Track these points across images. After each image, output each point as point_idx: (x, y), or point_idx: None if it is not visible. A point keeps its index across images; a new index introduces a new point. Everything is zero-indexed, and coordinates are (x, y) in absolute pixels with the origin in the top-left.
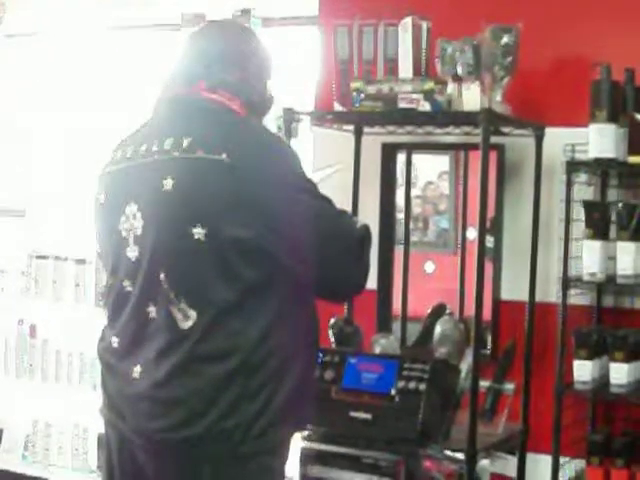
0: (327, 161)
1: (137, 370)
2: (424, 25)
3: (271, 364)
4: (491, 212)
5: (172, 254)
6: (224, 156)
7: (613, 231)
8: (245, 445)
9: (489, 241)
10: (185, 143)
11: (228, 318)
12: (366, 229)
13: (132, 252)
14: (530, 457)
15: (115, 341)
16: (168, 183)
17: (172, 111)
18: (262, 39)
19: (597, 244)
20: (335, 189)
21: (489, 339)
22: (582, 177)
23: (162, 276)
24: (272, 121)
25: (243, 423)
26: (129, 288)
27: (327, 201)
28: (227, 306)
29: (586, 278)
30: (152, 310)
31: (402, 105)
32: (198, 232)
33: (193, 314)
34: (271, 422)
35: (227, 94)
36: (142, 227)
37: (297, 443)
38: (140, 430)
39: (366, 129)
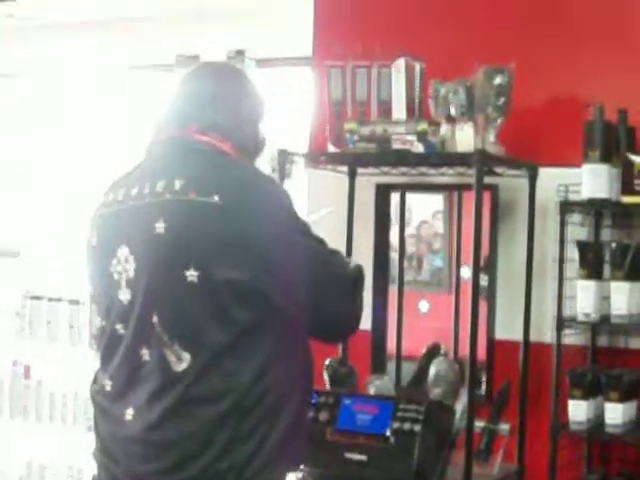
0: (322, 202)
1: (130, 412)
2: (417, 66)
3: (264, 405)
4: (485, 251)
5: (165, 297)
6: (216, 198)
7: (607, 271)
8: None
9: (483, 280)
10: (177, 185)
11: (222, 360)
12: (359, 270)
13: (124, 295)
14: None
15: (108, 384)
16: (160, 226)
17: (164, 153)
18: (255, 81)
19: (591, 284)
20: (329, 229)
21: (484, 379)
22: (575, 217)
23: (155, 319)
24: (266, 162)
25: (236, 465)
26: (122, 331)
27: (320, 242)
28: (221, 348)
29: (580, 318)
30: (145, 353)
31: (396, 146)
32: (191, 274)
33: (187, 357)
34: (264, 464)
35: (219, 136)
36: (134, 270)
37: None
38: (133, 473)
39: (360, 170)
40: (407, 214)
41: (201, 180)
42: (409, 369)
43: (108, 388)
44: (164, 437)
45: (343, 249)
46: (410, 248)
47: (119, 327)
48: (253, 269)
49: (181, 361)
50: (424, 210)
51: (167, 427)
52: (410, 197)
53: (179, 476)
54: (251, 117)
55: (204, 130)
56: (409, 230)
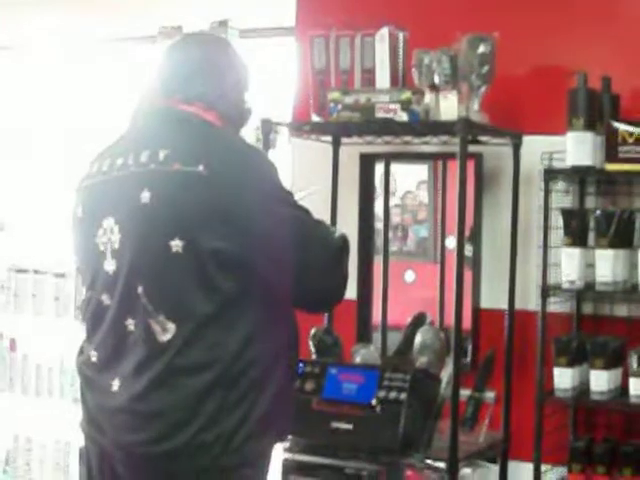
0: (306, 171)
1: (116, 383)
2: (400, 35)
3: (250, 375)
4: (470, 221)
5: (150, 267)
6: (201, 168)
7: (591, 238)
8: (225, 458)
9: (468, 250)
10: (161, 155)
11: (207, 330)
12: (344, 239)
13: (110, 266)
14: (512, 465)
15: (94, 355)
16: (145, 196)
17: (148, 123)
18: (239, 51)
19: (576, 252)
20: (314, 199)
21: (469, 348)
22: (560, 185)
23: (140, 289)
24: (250, 132)
25: (223, 435)
26: (107, 302)
27: (304, 211)
28: (206, 318)
29: (565, 286)
30: (130, 323)
31: (379, 115)
32: (176, 244)
33: (172, 327)
34: (251, 434)
35: (203, 106)
36: (119, 240)
37: (278, 454)
38: (120, 444)
39: (344, 139)
40: (392, 184)
41: (186, 150)
42: (395, 339)
43: (94, 359)
44: (150, 407)
45: (328, 219)
46: (395, 218)
47: (105, 298)
48: (237, 238)
49: (166, 331)
50: (409, 180)
51: (153, 397)
52: (395, 167)
53: (165, 446)
54: (236, 87)
55: (189, 100)
56: (394, 200)
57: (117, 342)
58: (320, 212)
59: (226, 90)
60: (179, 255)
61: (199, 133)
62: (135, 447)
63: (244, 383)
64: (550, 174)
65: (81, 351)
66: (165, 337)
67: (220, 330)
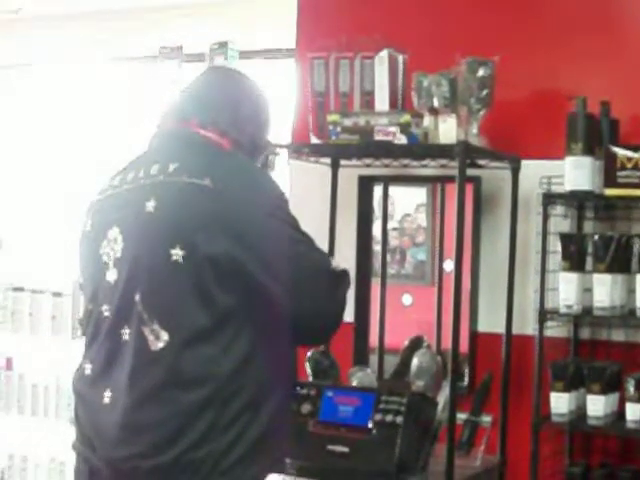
0: (304, 193)
1: (107, 395)
2: (400, 58)
3: (245, 396)
4: (468, 244)
5: (148, 274)
6: (207, 181)
7: (589, 263)
8: (213, 479)
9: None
10: (171, 168)
11: (201, 343)
12: (344, 271)
13: (112, 275)
14: None
15: (88, 367)
16: (150, 205)
17: (163, 142)
18: (263, 91)
19: (573, 276)
20: (313, 221)
21: (466, 372)
22: (558, 209)
23: (137, 297)
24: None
25: (213, 455)
26: (107, 313)
27: (308, 237)
28: (200, 330)
29: (563, 310)
30: (125, 332)
31: (378, 138)
32: (176, 253)
33: (165, 336)
34: (242, 457)
35: (217, 131)
36: (122, 249)
37: (273, 477)
38: (109, 458)
39: (343, 162)
40: (390, 207)
41: (195, 165)
42: (392, 362)
43: (88, 372)
44: (140, 421)
45: (326, 241)
46: (393, 241)
47: (105, 309)
48: (237, 248)
49: (159, 340)
50: (407, 203)
51: (144, 410)
52: (393, 190)
53: (153, 461)
54: (252, 119)
55: (204, 125)
56: (392, 223)
57: (111, 352)
58: (318, 234)
59: (240, 121)
60: (178, 264)
61: (209, 152)
62: (124, 462)
63: (238, 403)
64: (548, 198)
65: (78, 367)
66: (157, 345)
67: (216, 346)
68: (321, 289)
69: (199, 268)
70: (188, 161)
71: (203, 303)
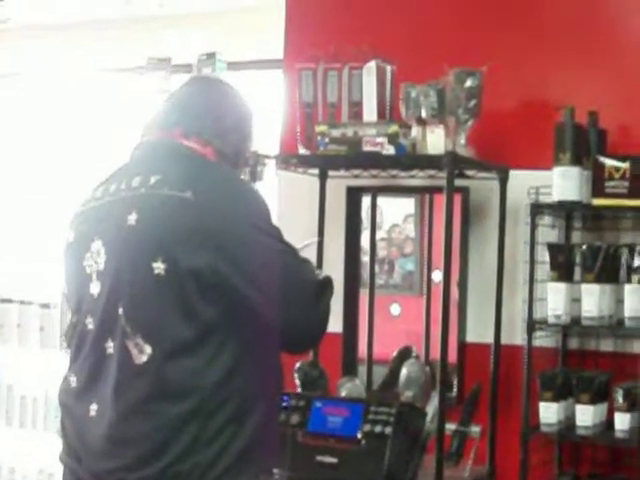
0: (292, 204)
1: (94, 408)
2: (388, 69)
3: (229, 408)
4: (456, 255)
5: (131, 288)
6: (189, 194)
7: (578, 273)
8: None
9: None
10: (152, 180)
11: (184, 356)
12: (328, 279)
13: (95, 288)
14: None
15: (73, 380)
16: (132, 218)
17: (144, 154)
18: (248, 101)
19: (562, 286)
20: (301, 232)
21: (455, 382)
22: (546, 219)
23: (120, 310)
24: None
25: (199, 467)
26: (90, 326)
27: (290, 248)
28: (184, 343)
29: (551, 320)
30: (110, 346)
31: (366, 149)
32: (158, 267)
33: (148, 349)
34: (228, 468)
35: (200, 141)
36: (105, 262)
37: None
38: (94, 471)
39: (331, 172)
40: (378, 217)
41: (176, 177)
42: (381, 373)
43: (73, 384)
44: (125, 434)
45: (314, 252)
46: (381, 252)
47: (89, 321)
48: (219, 260)
49: (142, 354)
50: (395, 214)
51: (129, 424)
52: (381, 201)
53: (138, 474)
54: (236, 129)
55: (187, 135)
56: (380, 234)
57: (96, 366)
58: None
59: (224, 131)
60: (161, 277)
61: (192, 163)
62: (109, 475)
63: (222, 415)
64: (537, 209)
65: (64, 379)
66: (141, 359)
67: (199, 359)
68: (305, 299)
69: (181, 281)
70: (170, 173)
71: (186, 316)
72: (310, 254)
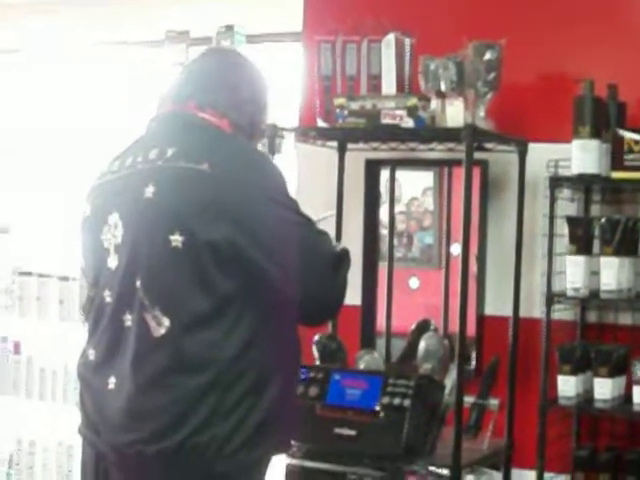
0: (311, 177)
1: (112, 381)
2: (407, 41)
3: (247, 381)
4: (475, 228)
5: (149, 261)
6: (206, 166)
7: (596, 246)
8: (219, 463)
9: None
10: (169, 153)
11: (202, 328)
12: (345, 251)
13: (113, 262)
14: (515, 473)
15: (92, 353)
16: (149, 190)
17: (161, 126)
18: (263, 72)
19: (580, 259)
20: (319, 205)
21: (473, 355)
22: (565, 193)
23: (138, 283)
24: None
25: (217, 439)
26: (108, 299)
27: (307, 219)
28: (202, 316)
29: (570, 293)
30: (128, 319)
31: (385, 121)
32: (175, 239)
33: (166, 322)
34: (246, 441)
35: (216, 113)
36: (122, 235)
37: (281, 460)
38: (114, 444)
39: (350, 145)
40: (397, 191)
41: (193, 149)
42: (399, 346)
43: (91, 357)
44: (143, 407)
45: (333, 225)
46: (400, 225)
47: (106, 294)
48: (236, 232)
49: (160, 326)
50: (414, 187)
51: (147, 397)
52: (400, 174)
53: (157, 447)
54: (251, 101)
55: (202, 106)
56: (399, 207)
57: (114, 339)
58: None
59: (240, 103)
60: (178, 250)
61: (208, 135)
62: (128, 447)
63: (240, 388)
64: (556, 182)
65: (82, 353)
66: (159, 332)
67: (217, 331)
68: (323, 271)
69: (198, 254)
70: (186, 145)
71: (203, 288)
72: (329, 227)
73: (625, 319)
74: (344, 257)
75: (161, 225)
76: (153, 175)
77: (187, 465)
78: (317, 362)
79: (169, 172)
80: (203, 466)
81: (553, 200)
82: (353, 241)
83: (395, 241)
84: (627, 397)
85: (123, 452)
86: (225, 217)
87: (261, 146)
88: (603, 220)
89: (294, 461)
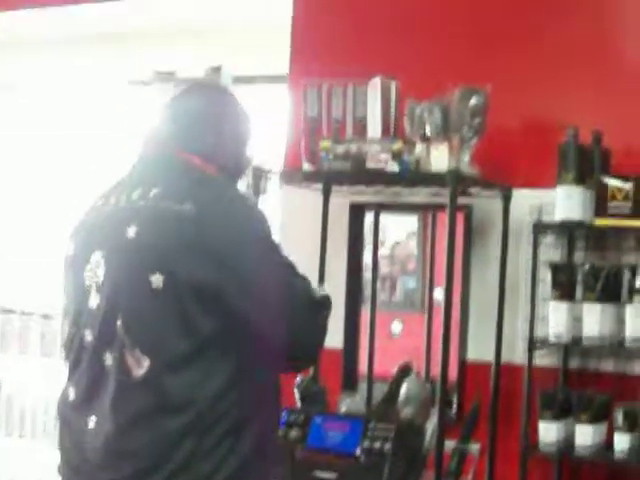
0: (295, 219)
1: (92, 420)
2: (393, 85)
3: (228, 421)
4: (458, 273)
5: (130, 301)
6: (189, 207)
7: (579, 292)
8: None
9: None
10: (153, 193)
11: (182, 369)
12: (326, 297)
13: (94, 301)
14: None
15: (72, 392)
16: (132, 230)
17: (145, 166)
18: (241, 101)
19: (563, 305)
20: (303, 247)
21: (455, 399)
22: (549, 239)
23: (119, 323)
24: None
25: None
26: (89, 338)
27: (288, 263)
28: (182, 356)
29: (552, 339)
30: (108, 358)
31: (370, 165)
32: (156, 279)
33: (146, 362)
34: None
35: (200, 154)
36: (104, 274)
37: None
38: None
39: (334, 188)
40: (381, 234)
41: (176, 190)
42: (381, 389)
43: (72, 396)
44: (122, 447)
45: (316, 268)
46: (384, 269)
47: (87, 333)
48: (217, 271)
49: (141, 366)
50: (398, 231)
51: (126, 436)
52: (384, 218)
53: None
54: (235, 137)
55: (185, 148)
56: (383, 251)
57: (94, 378)
58: (309, 261)
59: (224, 140)
60: (159, 291)
61: (192, 176)
62: None
63: (220, 429)
64: (539, 228)
65: (62, 391)
66: (139, 372)
67: (197, 372)
68: (302, 316)
69: (179, 294)
70: (170, 186)
71: (184, 329)
72: (312, 270)
73: (607, 366)
74: (325, 303)
75: (142, 265)
76: (136, 215)
77: None
78: (298, 404)
79: (152, 212)
80: None
81: (536, 246)
82: (336, 284)
83: (378, 285)
84: (608, 444)
85: None
86: (207, 258)
87: (246, 187)
88: (586, 266)
89: None
